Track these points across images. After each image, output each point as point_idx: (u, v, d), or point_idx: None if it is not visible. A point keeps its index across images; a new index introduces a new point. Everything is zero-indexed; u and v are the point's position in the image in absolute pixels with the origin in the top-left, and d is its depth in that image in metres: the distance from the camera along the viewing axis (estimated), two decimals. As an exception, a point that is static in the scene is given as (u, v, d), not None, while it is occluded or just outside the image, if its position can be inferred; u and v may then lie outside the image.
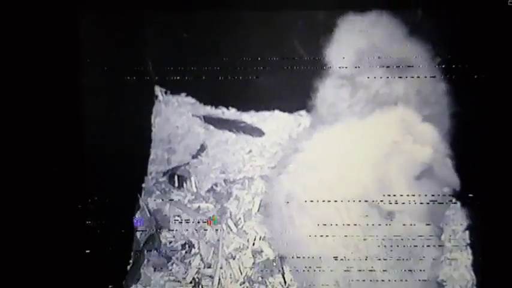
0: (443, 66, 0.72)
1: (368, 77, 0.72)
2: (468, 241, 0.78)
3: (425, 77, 0.71)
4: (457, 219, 0.80)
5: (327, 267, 0.67)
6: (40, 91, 0.64)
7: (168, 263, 0.79)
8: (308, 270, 0.68)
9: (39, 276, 0.61)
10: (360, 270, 0.66)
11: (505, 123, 0.67)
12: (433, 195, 0.67)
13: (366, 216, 0.66)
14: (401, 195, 0.66)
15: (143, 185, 0.88)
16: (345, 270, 0.66)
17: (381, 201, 0.66)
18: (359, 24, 0.75)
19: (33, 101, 0.64)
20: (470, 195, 0.76)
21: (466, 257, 0.77)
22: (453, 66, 0.71)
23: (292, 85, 0.84)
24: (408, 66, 0.71)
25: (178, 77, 0.92)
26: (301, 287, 0.72)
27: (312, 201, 0.67)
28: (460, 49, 0.73)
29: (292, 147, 0.74)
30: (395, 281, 0.66)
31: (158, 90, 0.96)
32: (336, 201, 0.66)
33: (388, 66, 0.72)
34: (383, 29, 0.74)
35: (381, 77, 0.72)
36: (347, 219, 0.66)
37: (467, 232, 0.79)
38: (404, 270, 0.66)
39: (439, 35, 0.73)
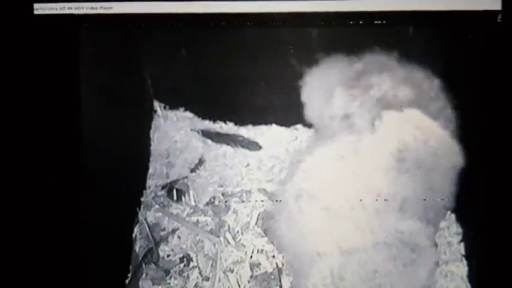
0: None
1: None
2: (463, 253, 0.79)
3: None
4: (452, 231, 0.81)
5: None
6: (39, 105, 0.65)
7: (166, 276, 0.79)
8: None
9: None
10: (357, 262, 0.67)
11: (500, 134, 0.68)
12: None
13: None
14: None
15: (142, 199, 0.88)
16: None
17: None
18: None
19: (32, 115, 0.65)
20: (466, 205, 0.77)
21: (462, 269, 0.77)
22: (444, 82, 0.73)
23: (288, 99, 0.85)
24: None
25: (176, 92, 0.94)
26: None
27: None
28: (450, 65, 0.74)
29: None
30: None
31: (157, 105, 0.96)
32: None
33: None
34: None
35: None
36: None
37: (462, 244, 0.79)
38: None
39: (430, 51, 0.75)
